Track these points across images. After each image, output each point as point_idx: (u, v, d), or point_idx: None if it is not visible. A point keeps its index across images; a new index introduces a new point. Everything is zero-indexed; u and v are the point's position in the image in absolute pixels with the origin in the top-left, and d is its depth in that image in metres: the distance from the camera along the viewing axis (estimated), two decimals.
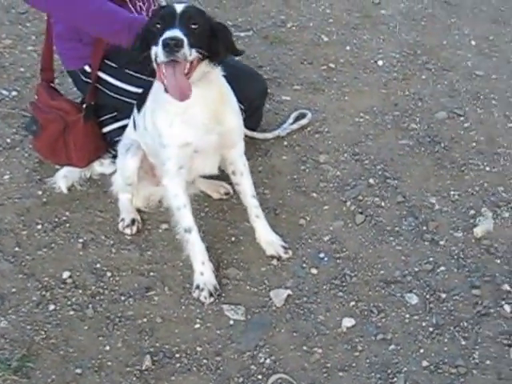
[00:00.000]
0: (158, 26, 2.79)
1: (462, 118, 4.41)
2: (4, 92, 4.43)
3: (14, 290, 3.26)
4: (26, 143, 4.01)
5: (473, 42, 5.23)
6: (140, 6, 3.61)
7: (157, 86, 3.07)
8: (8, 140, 4.06)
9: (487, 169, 4.00)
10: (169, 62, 2.77)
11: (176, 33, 2.71)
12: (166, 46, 2.68)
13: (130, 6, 3.54)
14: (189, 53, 2.73)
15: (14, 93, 4.43)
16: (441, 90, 4.69)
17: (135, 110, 3.43)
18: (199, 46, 2.80)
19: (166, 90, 2.86)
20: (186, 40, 2.70)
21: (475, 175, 3.96)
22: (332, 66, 4.86)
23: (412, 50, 5.07)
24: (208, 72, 2.98)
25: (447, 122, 4.37)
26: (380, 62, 4.92)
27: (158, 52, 2.75)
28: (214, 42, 2.90)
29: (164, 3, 3.70)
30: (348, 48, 5.07)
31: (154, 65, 2.88)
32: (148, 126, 3.24)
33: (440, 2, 5.73)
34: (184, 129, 3.06)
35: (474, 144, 4.19)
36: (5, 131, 4.12)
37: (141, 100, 3.34)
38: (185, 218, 3.25)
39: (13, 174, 3.84)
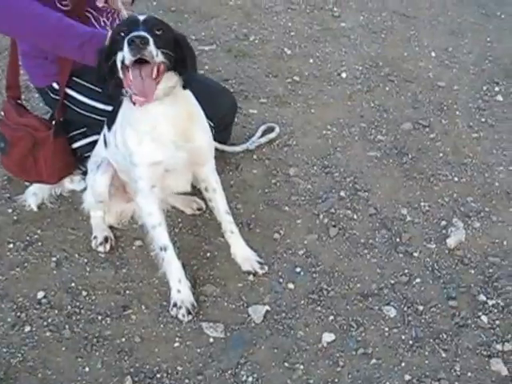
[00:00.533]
0: (122, 34, 2.73)
1: (427, 129, 4.45)
2: None
3: None
4: None
5: (433, 54, 5.31)
6: (104, 22, 3.56)
7: (126, 105, 3.02)
8: None
9: (455, 179, 4.05)
10: (135, 65, 2.71)
11: (141, 32, 2.67)
12: (131, 43, 2.62)
13: (94, 22, 3.49)
14: (155, 52, 2.68)
15: None
16: (405, 102, 4.74)
17: (105, 128, 3.38)
18: (165, 48, 2.75)
19: (131, 98, 2.83)
20: (151, 39, 2.66)
21: (444, 186, 4.00)
22: (296, 78, 4.88)
23: (374, 62, 5.11)
24: (174, 88, 2.93)
25: (413, 133, 4.41)
26: (344, 75, 4.96)
27: (124, 54, 2.69)
28: (179, 51, 2.85)
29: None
30: (311, 61, 5.10)
31: (121, 74, 2.80)
32: (118, 144, 3.19)
33: (398, 15, 5.81)
34: (153, 147, 3.01)
35: (441, 155, 4.24)
36: None
37: (111, 118, 3.29)
38: (160, 236, 3.20)
39: None
